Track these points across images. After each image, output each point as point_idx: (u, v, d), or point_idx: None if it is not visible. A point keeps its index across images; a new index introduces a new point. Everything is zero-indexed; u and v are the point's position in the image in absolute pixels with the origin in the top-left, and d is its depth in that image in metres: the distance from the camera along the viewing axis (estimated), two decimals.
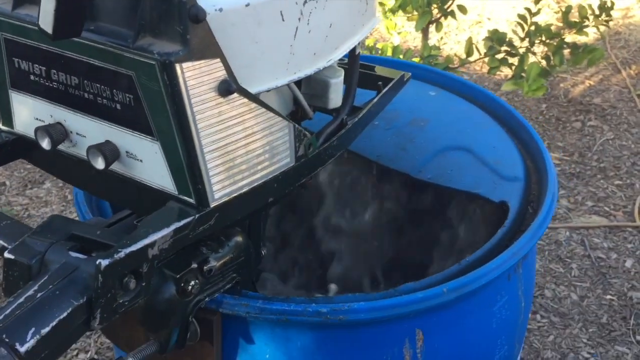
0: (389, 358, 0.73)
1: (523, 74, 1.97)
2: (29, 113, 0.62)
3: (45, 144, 0.59)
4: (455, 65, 2.12)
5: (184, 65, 0.50)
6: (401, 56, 1.93)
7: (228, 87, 0.53)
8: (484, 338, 0.76)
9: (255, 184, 0.59)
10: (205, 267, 0.63)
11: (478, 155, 0.92)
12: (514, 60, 2.03)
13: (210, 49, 0.52)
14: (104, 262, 0.49)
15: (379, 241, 1.00)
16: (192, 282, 0.62)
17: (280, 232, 1.06)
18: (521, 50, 2.02)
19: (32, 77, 0.59)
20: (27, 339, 0.45)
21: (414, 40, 3.02)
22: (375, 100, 0.78)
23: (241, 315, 0.69)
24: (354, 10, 0.69)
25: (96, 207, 0.83)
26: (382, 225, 1.01)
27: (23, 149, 0.65)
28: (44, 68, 0.58)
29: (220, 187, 0.56)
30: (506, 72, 2.29)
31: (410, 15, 2.09)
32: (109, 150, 0.56)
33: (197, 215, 0.55)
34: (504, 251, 0.72)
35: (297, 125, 0.62)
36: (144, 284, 0.53)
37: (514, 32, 2.12)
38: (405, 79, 0.86)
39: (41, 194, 2.40)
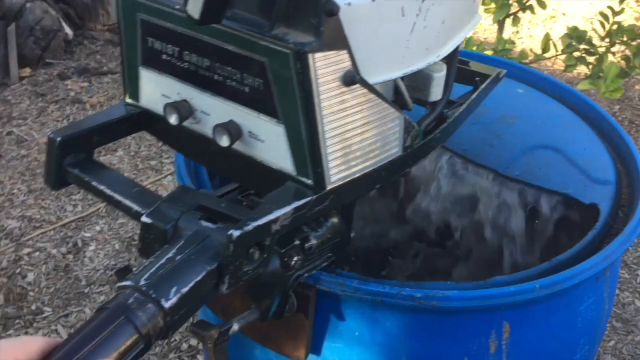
0: (474, 347, 0.75)
1: (601, 74, 1.93)
2: (156, 89, 0.66)
3: (173, 119, 0.63)
4: (528, 61, 2.10)
5: (316, 55, 0.53)
6: (474, 48, 1.92)
7: (352, 78, 0.56)
8: (568, 336, 0.77)
9: (367, 170, 0.62)
10: (306, 245, 0.67)
11: (568, 156, 0.92)
12: (592, 59, 1.99)
13: (339, 41, 0.54)
14: (236, 233, 0.52)
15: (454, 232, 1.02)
16: (295, 258, 0.66)
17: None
18: (600, 50, 1.97)
19: (164, 56, 0.63)
20: (171, 297, 0.50)
21: (484, 32, 2.98)
22: (474, 95, 0.79)
23: (336, 293, 0.72)
24: (463, 8, 0.71)
25: (195, 180, 0.88)
26: (461, 216, 1.02)
27: (146, 122, 0.70)
28: (177, 49, 0.62)
29: (337, 172, 0.59)
30: (580, 70, 2.25)
31: (487, 7, 2.07)
32: (234, 129, 0.60)
33: (314, 197, 0.58)
34: (597, 253, 0.73)
35: (407, 117, 0.64)
36: (265, 256, 0.57)
37: (594, 30, 2.07)
38: (500, 76, 0.87)
39: (114, 161, 2.49)
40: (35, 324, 1.86)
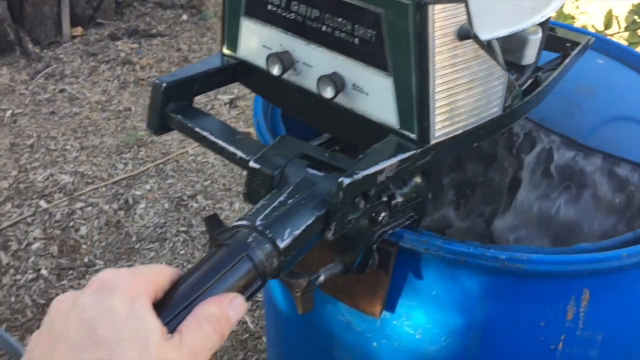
0: (552, 312, 0.76)
1: None
2: (257, 40, 0.67)
3: (276, 70, 0.64)
4: None
5: (435, 7, 0.53)
6: None
7: (467, 32, 0.55)
8: None
9: (468, 127, 0.62)
10: (393, 202, 0.67)
11: None
12: None
13: None
14: (346, 181, 0.53)
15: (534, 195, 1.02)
16: (382, 214, 0.67)
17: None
18: None
19: (269, 6, 0.64)
20: (285, 237, 0.51)
21: None
22: (567, 61, 0.78)
23: (418, 251, 0.73)
24: None
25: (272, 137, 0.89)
26: (538, 181, 1.02)
27: (242, 73, 0.71)
28: None
29: (441, 127, 0.59)
30: None
31: None
32: (339, 81, 0.60)
33: (418, 150, 0.58)
34: None
35: (510, 76, 0.64)
36: (368, 206, 0.58)
37: None
38: (589, 44, 0.85)
39: None
40: (87, 276, 1.91)
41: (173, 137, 2.44)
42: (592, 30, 2.14)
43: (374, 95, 0.60)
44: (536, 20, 0.65)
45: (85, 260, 1.96)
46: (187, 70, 0.68)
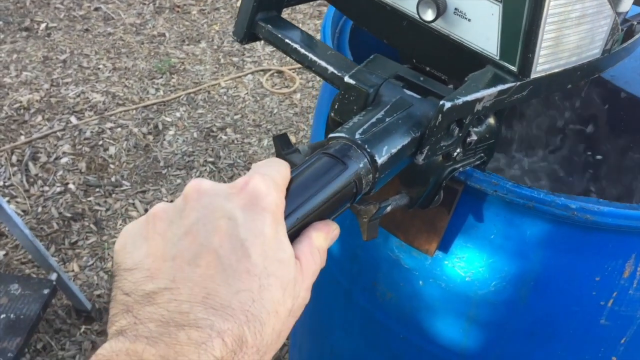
0: (609, 268, 0.75)
1: None
2: None
3: None
4: None
5: None
6: None
7: None
8: None
9: (567, 66, 0.60)
10: (468, 139, 0.66)
11: None
12: None
13: None
14: (447, 104, 0.52)
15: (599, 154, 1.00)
16: (458, 150, 0.65)
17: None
18: None
19: None
20: (383, 154, 0.50)
21: None
22: None
23: (486, 192, 0.72)
24: None
25: None
26: (603, 139, 1.00)
27: None
28: None
29: (544, 61, 0.57)
30: None
31: None
32: (442, 3, 0.58)
33: (517, 83, 0.57)
34: None
35: (616, 17, 0.61)
36: (461, 135, 0.56)
37: None
38: None
39: (197, 52, 2.50)
40: (114, 195, 1.92)
41: (206, 68, 2.41)
42: None
43: (477, 22, 0.58)
44: None
45: (113, 179, 1.97)
46: None
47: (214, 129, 2.19)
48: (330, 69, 0.60)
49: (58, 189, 1.92)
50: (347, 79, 0.57)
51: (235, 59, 2.48)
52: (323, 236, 0.44)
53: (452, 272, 0.82)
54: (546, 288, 0.79)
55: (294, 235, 0.43)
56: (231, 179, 2.02)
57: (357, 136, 0.50)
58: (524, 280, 0.79)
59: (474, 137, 0.67)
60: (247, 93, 2.34)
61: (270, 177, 0.41)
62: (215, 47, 2.54)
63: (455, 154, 0.66)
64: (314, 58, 0.61)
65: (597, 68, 0.64)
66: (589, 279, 0.78)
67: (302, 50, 0.62)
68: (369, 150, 0.49)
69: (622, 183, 1.02)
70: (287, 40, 0.63)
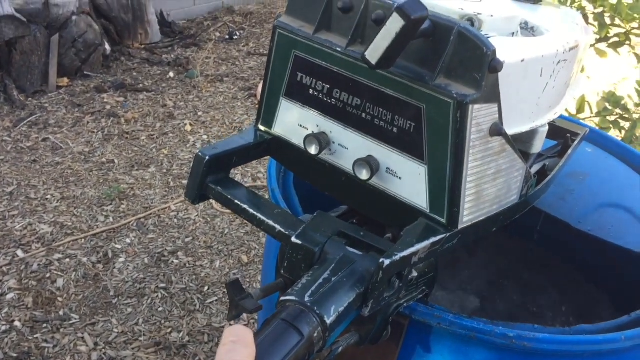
0: None
1: (633, 139, 2.01)
2: (294, 120, 0.72)
3: (313, 150, 0.68)
4: None
5: (475, 106, 0.59)
6: None
7: (499, 129, 0.61)
8: None
9: (490, 214, 0.67)
10: (409, 276, 0.71)
11: (638, 217, 0.98)
12: (626, 125, 2.07)
13: (493, 95, 0.60)
14: (386, 262, 0.57)
15: (528, 280, 1.07)
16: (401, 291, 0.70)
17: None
18: (635, 116, 2.06)
19: (311, 91, 0.69)
20: (331, 314, 0.54)
21: None
22: (570, 151, 0.85)
23: (430, 325, 0.76)
24: (576, 72, 0.78)
25: (286, 205, 0.93)
26: (532, 264, 1.07)
27: (274, 148, 0.75)
28: (328, 86, 0.67)
29: (469, 213, 0.64)
30: (613, 134, 2.33)
31: None
32: (375, 165, 0.65)
33: (447, 234, 0.63)
34: None
35: (528, 168, 0.69)
36: (401, 285, 0.61)
37: (629, 97, 2.16)
38: (586, 134, 0.93)
39: (146, 177, 2.54)
40: (62, 330, 1.87)
41: (156, 192, 2.45)
42: (566, 114, 2.27)
43: (407, 180, 0.65)
44: (551, 117, 0.72)
45: (61, 313, 1.92)
46: (227, 143, 0.71)
47: (165, 253, 2.20)
48: (278, 227, 0.65)
49: (3, 328, 1.86)
50: (294, 239, 0.62)
51: (185, 182, 2.53)
52: None
53: None
54: None
55: None
56: (184, 304, 2.01)
57: (307, 299, 0.54)
58: None
59: (415, 274, 0.73)
60: (197, 215, 2.38)
61: None
62: (165, 170, 2.59)
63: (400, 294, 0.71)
64: (262, 217, 0.66)
65: (517, 211, 0.72)
66: None
67: (251, 210, 0.67)
68: (318, 312, 0.53)
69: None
70: (236, 201, 0.68)
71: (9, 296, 1.96)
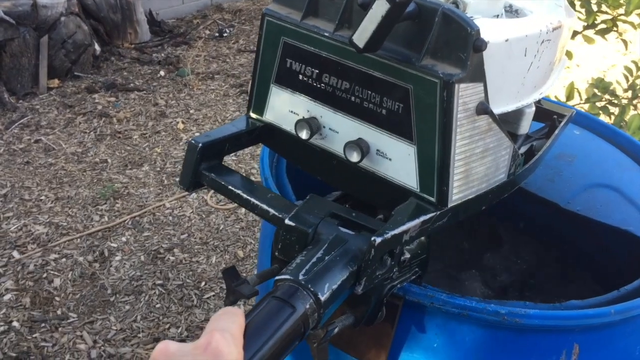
0: None
1: (622, 124, 2.03)
2: (285, 106, 0.73)
3: (304, 134, 0.70)
4: None
5: (461, 85, 0.60)
6: None
7: (485, 108, 0.63)
8: None
9: (480, 192, 0.69)
10: (402, 257, 0.73)
11: (626, 196, 1.00)
12: (615, 110, 2.09)
13: (478, 74, 0.61)
14: (378, 240, 0.58)
15: (520, 259, 1.09)
16: (394, 269, 0.72)
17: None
18: (623, 102, 2.08)
19: (300, 76, 0.70)
20: (325, 291, 0.55)
21: None
22: (557, 132, 0.86)
23: (423, 305, 0.78)
24: (560, 53, 0.79)
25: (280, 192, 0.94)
26: (523, 244, 1.09)
27: (266, 135, 0.76)
28: (317, 71, 0.68)
29: (458, 191, 0.66)
30: (602, 119, 2.35)
31: None
32: (365, 147, 0.66)
33: (437, 212, 0.64)
34: None
35: (515, 146, 0.71)
36: (393, 263, 0.63)
37: (618, 82, 2.18)
38: (572, 116, 0.94)
39: (140, 175, 2.55)
40: (60, 329, 1.88)
41: (150, 190, 2.45)
42: (555, 101, 2.29)
43: (397, 161, 0.66)
44: (537, 97, 0.73)
45: (59, 312, 1.93)
46: (220, 131, 0.72)
47: (161, 250, 2.21)
48: (272, 211, 0.66)
49: (1, 328, 1.86)
50: (287, 221, 0.63)
51: (178, 179, 2.54)
52: None
53: None
54: None
55: None
56: (181, 300, 2.02)
57: (301, 277, 0.56)
58: None
59: (407, 255, 0.74)
60: (192, 212, 2.38)
61: (229, 333, 0.46)
62: (158, 169, 2.60)
63: (392, 273, 0.73)
64: (256, 202, 0.68)
65: (505, 189, 0.73)
66: None
67: (244, 195, 0.68)
68: (312, 289, 0.55)
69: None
70: (230, 187, 0.69)
71: (7, 297, 1.97)
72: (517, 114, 0.80)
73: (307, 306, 0.54)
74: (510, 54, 0.65)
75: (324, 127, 0.70)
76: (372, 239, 0.58)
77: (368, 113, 0.66)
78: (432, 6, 0.59)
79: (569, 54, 2.17)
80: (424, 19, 0.60)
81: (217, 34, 3.72)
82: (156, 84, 3.17)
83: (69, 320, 1.92)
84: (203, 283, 2.08)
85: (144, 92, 3.09)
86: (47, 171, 2.53)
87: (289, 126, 0.73)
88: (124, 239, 2.24)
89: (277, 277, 0.56)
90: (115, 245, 2.21)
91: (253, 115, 0.76)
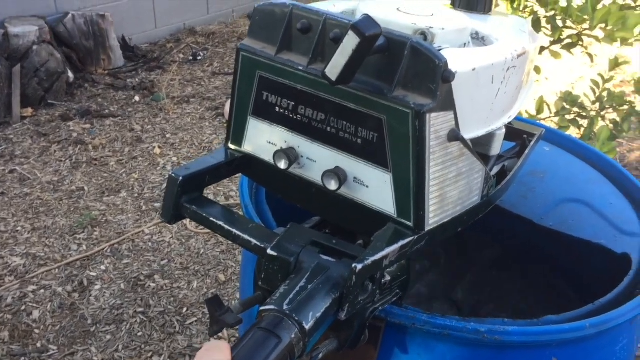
0: None
1: (591, 137, 2.08)
2: (263, 137, 0.74)
3: (282, 164, 0.71)
4: None
5: (432, 115, 0.62)
6: None
7: (456, 135, 0.65)
8: None
9: (455, 215, 0.71)
10: (382, 280, 0.74)
11: (596, 210, 1.03)
12: (584, 122, 2.15)
13: (448, 103, 0.64)
14: (359, 266, 0.60)
15: (496, 276, 1.11)
16: (376, 293, 0.73)
17: None
18: (592, 114, 2.13)
19: (277, 108, 0.72)
20: (309, 319, 0.57)
21: None
22: (528, 151, 0.89)
23: (405, 325, 0.80)
24: (526, 77, 0.82)
25: (260, 221, 0.95)
26: (497, 262, 1.11)
27: (245, 165, 0.78)
28: (293, 103, 0.70)
29: (434, 215, 0.68)
30: (572, 132, 2.41)
31: None
32: (342, 175, 0.68)
33: (415, 237, 0.66)
34: (634, 299, 0.82)
35: (487, 169, 0.73)
36: (374, 288, 0.64)
37: (585, 95, 2.24)
38: (542, 134, 0.98)
39: (118, 202, 2.53)
40: None
41: (128, 217, 2.44)
42: (526, 115, 2.34)
43: (374, 188, 0.68)
44: (505, 121, 0.76)
45: (38, 345, 1.90)
46: (199, 163, 0.74)
47: (142, 277, 2.19)
48: (254, 241, 0.68)
49: None
50: (269, 251, 0.65)
51: (157, 205, 2.53)
52: None
53: None
54: None
55: None
56: (163, 327, 2.01)
57: (285, 307, 0.57)
58: None
59: (388, 278, 0.76)
60: (172, 237, 2.38)
61: None
62: (136, 195, 2.59)
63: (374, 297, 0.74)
64: (237, 232, 0.69)
65: (480, 210, 0.75)
66: None
67: (226, 227, 0.70)
68: (297, 318, 0.56)
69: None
70: (211, 219, 0.70)
71: None
72: (488, 137, 0.83)
73: (293, 336, 0.55)
74: (478, 82, 0.67)
75: (302, 156, 0.72)
76: (353, 265, 0.60)
77: (344, 142, 0.68)
78: (401, 40, 0.62)
79: (537, 69, 2.22)
80: (394, 52, 0.62)
81: (191, 58, 3.73)
82: (131, 110, 3.17)
83: (49, 353, 1.90)
84: (185, 309, 2.08)
85: (119, 117, 3.08)
86: (23, 201, 2.50)
87: (267, 156, 0.75)
88: (103, 267, 2.22)
89: (261, 308, 0.58)
90: (94, 274, 2.19)
91: (232, 146, 0.78)
